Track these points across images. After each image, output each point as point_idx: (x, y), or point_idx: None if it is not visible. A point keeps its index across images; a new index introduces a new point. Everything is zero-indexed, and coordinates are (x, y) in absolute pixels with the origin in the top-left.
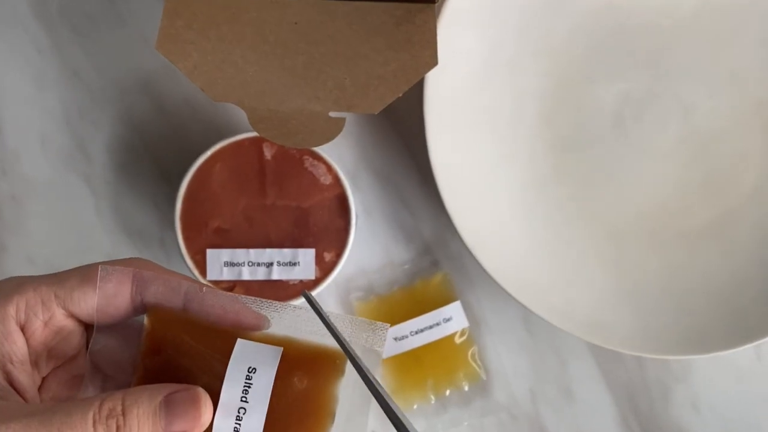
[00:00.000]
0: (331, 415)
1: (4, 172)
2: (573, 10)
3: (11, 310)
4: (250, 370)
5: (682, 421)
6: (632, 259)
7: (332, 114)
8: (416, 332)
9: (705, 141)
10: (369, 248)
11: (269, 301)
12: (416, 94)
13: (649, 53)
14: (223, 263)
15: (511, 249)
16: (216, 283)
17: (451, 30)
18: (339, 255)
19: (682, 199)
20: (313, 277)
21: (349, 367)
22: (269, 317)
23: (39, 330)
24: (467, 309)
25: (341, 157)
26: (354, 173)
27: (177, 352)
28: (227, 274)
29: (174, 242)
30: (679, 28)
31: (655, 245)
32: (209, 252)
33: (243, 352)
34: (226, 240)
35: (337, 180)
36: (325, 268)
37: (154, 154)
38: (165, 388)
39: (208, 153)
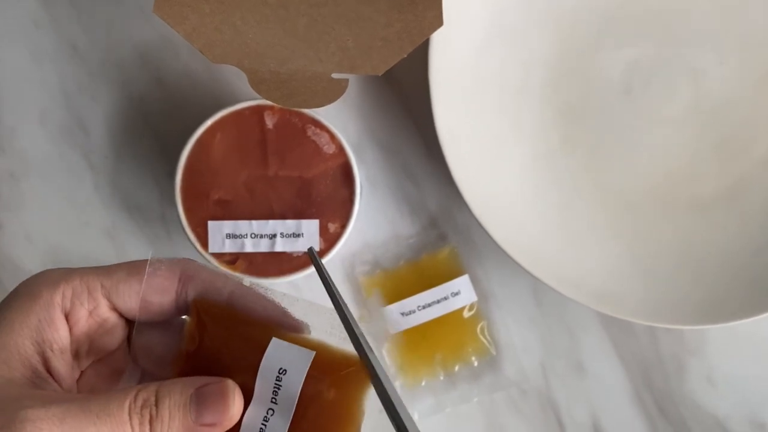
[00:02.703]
0: (357, 429)
1: (2, 149)
2: None
3: (57, 297)
4: (281, 371)
5: (697, 395)
6: (644, 228)
7: (335, 75)
8: (423, 307)
9: (716, 108)
10: (374, 222)
11: (309, 301)
12: (421, 63)
13: (657, 19)
14: (225, 235)
15: (521, 219)
16: (218, 255)
17: None
18: (344, 226)
19: (694, 167)
20: (317, 249)
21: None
22: (308, 321)
23: (83, 319)
24: (475, 283)
25: (345, 128)
26: (358, 145)
27: (217, 345)
28: (229, 247)
29: (175, 217)
30: None
31: (667, 214)
32: (211, 224)
33: (276, 352)
34: (228, 212)
35: (340, 149)
36: (329, 239)
37: (153, 128)
38: (197, 381)
39: (208, 123)
